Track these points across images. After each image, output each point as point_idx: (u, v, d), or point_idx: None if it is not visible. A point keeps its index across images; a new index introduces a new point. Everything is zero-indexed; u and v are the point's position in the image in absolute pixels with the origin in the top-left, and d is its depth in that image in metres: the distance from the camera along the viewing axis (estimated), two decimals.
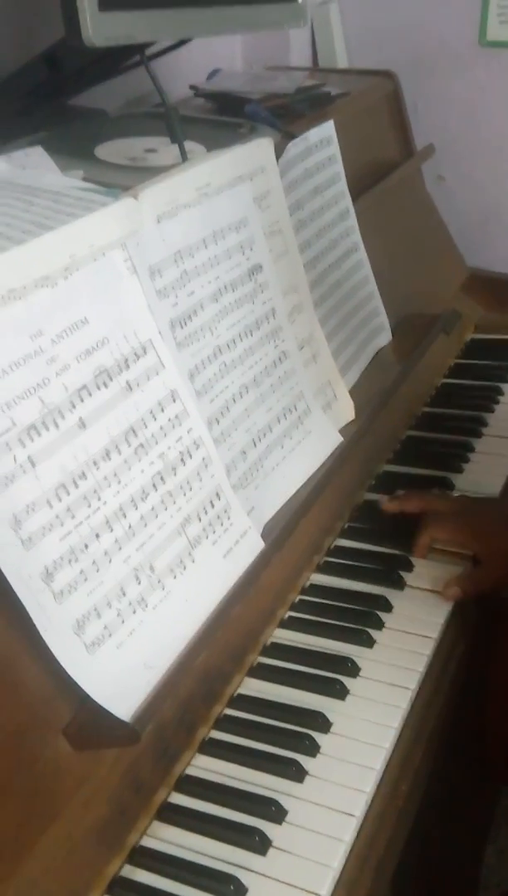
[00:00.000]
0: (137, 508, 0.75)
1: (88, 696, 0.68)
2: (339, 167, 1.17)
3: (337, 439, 1.03)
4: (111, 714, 0.69)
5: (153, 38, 1.09)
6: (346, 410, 1.08)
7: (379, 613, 0.95)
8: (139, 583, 0.74)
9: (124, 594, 0.73)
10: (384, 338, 1.25)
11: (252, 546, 0.86)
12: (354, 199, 1.20)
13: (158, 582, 0.76)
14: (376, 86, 1.48)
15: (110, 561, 0.72)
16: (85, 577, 0.70)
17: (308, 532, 0.99)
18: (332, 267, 1.14)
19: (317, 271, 1.10)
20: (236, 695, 0.87)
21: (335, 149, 1.16)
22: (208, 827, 0.75)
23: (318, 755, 0.80)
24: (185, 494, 0.80)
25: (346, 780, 0.78)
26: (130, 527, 0.74)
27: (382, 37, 1.72)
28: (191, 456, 0.81)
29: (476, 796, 1.28)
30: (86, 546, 0.70)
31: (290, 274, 1.01)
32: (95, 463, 0.72)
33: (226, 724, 0.84)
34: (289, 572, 0.97)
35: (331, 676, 0.87)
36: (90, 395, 0.72)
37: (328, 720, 0.83)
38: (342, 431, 1.04)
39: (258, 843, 0.73)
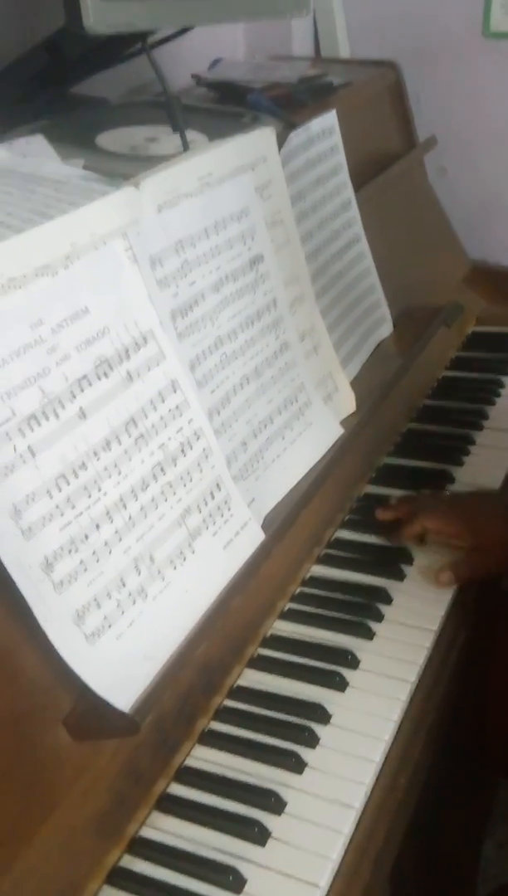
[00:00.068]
0: (137, 499, 0.75)
1: (87, 687, 0.68)
2: (341, 157, 1.16)
3: (338, 431, 1.03)
4: (111, 705, 0.69)
5: (155, 26, 1.09)
6: (347, 402, 1.07)
7: (379, 606, 0.95)
8: (139, 573, 0.74)
9: (124, 585, 0.73)
10: (386, 330, 1.25)
11: (253, 537, 0.86)
12: (356, 190, 1.19)
13: (158, 573, 0.76)
14: (378, 76, 1.47)
15: (110, 551, 0.72)
16: (85, 567, 0.69)
17: (309, 524, 0.99)
18: (333, 258, 1.14)
19: (318, 262, 1.10)
20: (235, 686, 0.87)
21: (337, 139, 1.15)
22: (208, 818, 0.75)
23: (317, 747, 0.80)
24: (185, 485, 0.80)
25: (345, 771, 0.78)
26: (130, 517, 0.74)
27: (385, 27, 1.70)
28: (191, 447, 0.81)
29: (475, 789, 1.28)
30: (86, 536, 0.70)
31: (291, 265, 1.00)
32: (95, 453, 0.71)
33: (226, 715, 0.84)
34: (289, 564, 0.97)
35: (331, 668, 0.87)
36: (90, 384, 0.72)
37: (327, 712, 0.83)
38: (342, 423, 1.04)
39: (257, 834, 0.73)
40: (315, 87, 1.35)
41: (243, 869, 0.71)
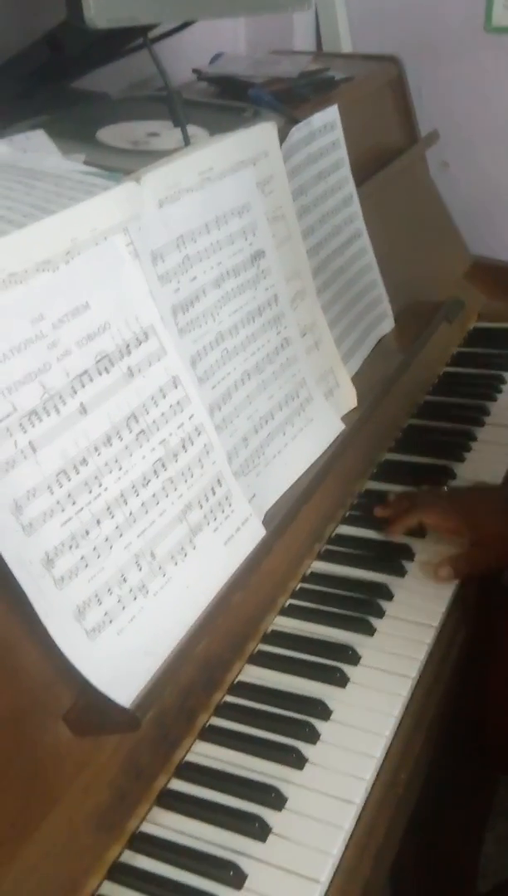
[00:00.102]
0: (138, 495, 0.75)
1: (88, 683, 0.68)
2: (342, 152, 1.16)
3: (339, 427, 1.03)
4: (112, 700, 0.69)
5: (156, 20, 1.08)
6: (348, 398, 1.07)
7: (380, 601, 0.95)
8: (140, 569, 0.74)
9: (125, 580, 0.72)
10: (387, 325, 1.24)
11: (253, 533, 0.86)
12: (357, 185, 1.19)
13: (159, 568, 0.76)
14: (380, 71, 1.47)
15: (111, 547, 0.72)
16: (86, 563, 0.69)
17: (310, 520, 0.99)
18: (335, 253, 1.14)
19: (320, 258, 1.10)
20: (236, 682, 0.87)
21: (338, 134, 1.15)
22: (208, 813, 0.75)
23: (318, 742, 0.80)
24: (186, 481, 0.79)
25: (346, 767, 0.78)
26: (131, 513, 0.74)
27: (386, 21, 1.70)
28: (192, 442, 0.81)
29: (476, 785, 1.28)
30: (87, 532, 0.70)
31: (293, 260, 1.00)
32: (96, 449, 0.71)
33: (226, 711, 0.84)
34: (290, 560, 0.97)
35: (331, 664, 0.87)
36: (91, 380, 0.71)
37: (328, 708, 0.83)
38: (344, 419, 1.04)
39: (258, 830, 0.73)
40: (317, 81, 1.35)
41: (244, 864, 0.71)
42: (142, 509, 0.75)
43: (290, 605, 0.96)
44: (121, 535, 0.73)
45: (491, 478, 1.15)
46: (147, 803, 0.75)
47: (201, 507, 0.81)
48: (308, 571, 1.00)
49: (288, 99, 1.27)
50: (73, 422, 0.70)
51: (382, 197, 1.30)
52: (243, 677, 0.87)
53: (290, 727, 0.81)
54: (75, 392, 0.70)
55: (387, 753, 0.80)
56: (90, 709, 0.69)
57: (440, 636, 0.92)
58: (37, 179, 0.81)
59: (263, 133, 0.96)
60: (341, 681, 0.86)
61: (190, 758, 0.80)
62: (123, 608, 0.72)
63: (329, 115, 1.14)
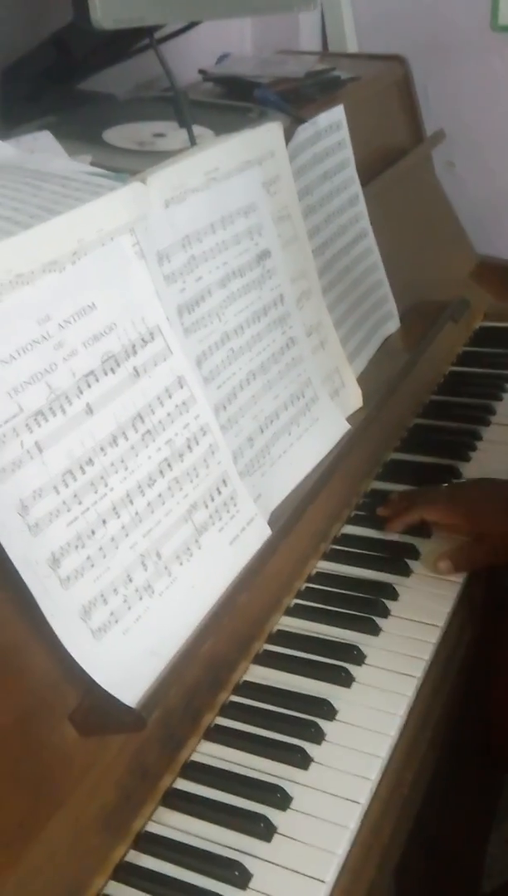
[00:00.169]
0: (143, 495, 0.75)
1: (94, 683, 0.68)
2: (348, 152, 1.16)
3: (345, 426, 1.03)
4: (117, 700, 0.69)
5: (163, 20, 1.09)
6: (354, 398, 1.07)
7: (385, 601, 0.95)
8: (146, 569, 0.74)
9: (131, 580, 0.73)
10: (393, 325, 1.24)
11: (259, 533, 0.86)
12: (363, 185, 1.19)
13: (165, 568, 0.76)
14: (386, 70, 1.47)
15: (117, 547, 0.72)
16: (92, 563, 0.70)
17: (315, 520, 0.99)
18: (341, 253, 1.14)
19: (325, 258, 1.10)
20: (241, 682, 0.87)
21: (344, 134, 1.15)
22: (214, 813, 0.75)
23: (323, 742, 0.80)
24: (192, 481, 0.80)
25: (351, 767, 0.78)
26: (136, 513, 0.74)
27: (392, 21, 1.70)
28: (198, 442, 0.81)
29: (481, 785, 1.28)
30: (92, 532, 0.70)
31: (298, 260, 1.00)
32: (102, 449, 0.71)
33: (231, 710, 0.84)
34: (295, 560, 0.97)
35: (337, 664, 0.87)
36: (97, 380, 0.72)
37: (333, 708, 0.83)
38: (349, 419, 1.04)
39: (263, 830, 0.73)
40: (323, 81, 1.35)
41: (249, 864, 0.71)
42: (148, 509, 0.75)
43: (295, 604, 0.96)
44: (127, 536, 0.73)
45: (497, 477, 1.14)
46: (153, 803, 0.75)
47: (207, 507, 0.81)
48: (314, 571, 1.00)
49: (294, 99, 1.28)
50: (79, 422, 0.70)
51: (388, 197, 1.30)
52: (248, 677, 0.88)
53: (295, 727, 0.81)
54: (81, 392, 0.70)
55: (392, 753, 0.80)
56: (96, 709, 0.69)
57: (445, 636, 0.92)
58: (43, 180, 0.81)
59: (269, 133, 0.96)
60: (346, 681, 0.86)
61: (195, 757, 0.80)
62: (129, 608, 0.72)
63: (335, 115, 1.14)
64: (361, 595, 0.96)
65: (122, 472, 0.73)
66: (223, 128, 1.04)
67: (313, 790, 0.76)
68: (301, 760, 0.78)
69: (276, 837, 0.73)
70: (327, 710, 0.83)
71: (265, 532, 0.87)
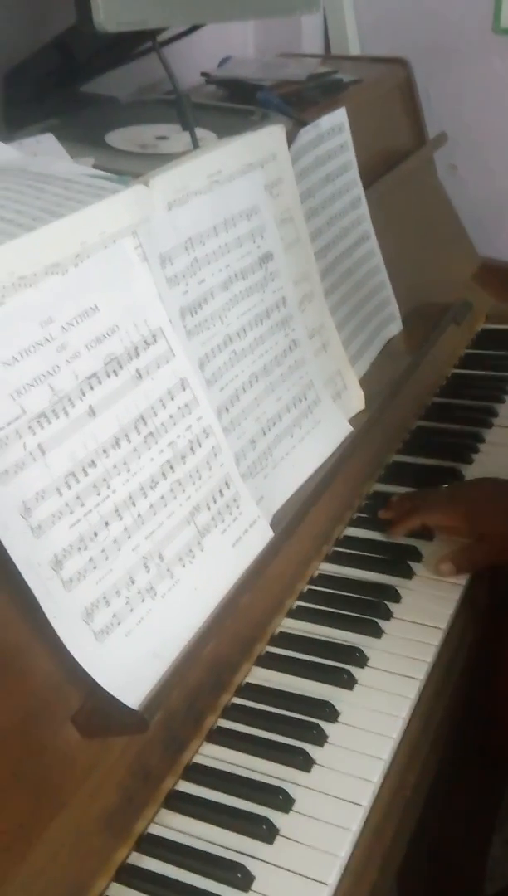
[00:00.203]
0: (146, 497, 0.75)
1: (96, 684, 0.68)
2: (351, 155, 1.16)
3: (347, 429, 1.03)
4: (120, 702, 0.69)
5: (165, 23, 1.09)
6: (356, 400, 1.07)
7: (388, 603, 0.95)
8: (148, 571, 0.74)
9: (133, 582, 0.73)
10: (395, 327, 1.24)
11: (261, 535, 0.86)
12: (365, 188, 1.19)
13: (167, 570, 0.76)
14: (388, 73, 1.47)
15: (119, 549, 0.72)
16: (94, 565, 0.70)
17: (317, 521, 0.99)
18: (343, 255, 1.14)
19: (328, 260, 1.10)
20: (244, 684, 0.87)
21: (346, 136, 1.15)
22: (216, 815, 0.75)
23: (326, 744, 0.80)
24: (194, 483, 0.80)
25: (353, 769, 0.78)
26: (139, 515, 0.74)
27: (395, 23, 1.70)
28: (200, 445, 0.81)
29: (483, 787, 1.28)
30: (95, 534, 0.70)
31: (301, 262, 1.00)
32: (104, 451, 0.71)
33: (234, 712, 0.84)
34: (298, 562, 0.97)
35: (339, 666, 0.87)
36: (100, 382, 0.72)
37: (335, 710, 0.83)
38: (351, 421, 1.04)
39: (266, 832, 0.73)
40: (325, 84, 1.35)
41: (252, 866, 0.71)
42: (150, 511, 0.75)
43: (297, 606, 0.96)
44: (129, 537, 0.73)
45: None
46: (155, 805, 0.75)
47: (209, 509, 0.81)
48: (316, 573, 1.00)
49: (296, 102, 1.28)
50: (81, 424, 0.70)
51: (390, 199, 1.30)
52: (250, 679, 0.88)
53: (298, 729, 0.81)
54: (84, 394, 0.70)
55: (395, 756, 0.80)
56: (98, 711, 0.69)
57: (448, 638, 0.92)
58: (46, 183, 0.81)
59: (271, 136, 0.96)
60: (348, 683, 0.86)
61: (198, 759, 0.80)
62: (132, 610, 0.72)
63: (337, 118, 1.14)
64: (363, 597, 0.96)
65: (124, 475, 0.73)
66: (226, 130, 1.05)
67: (315, 792, 0.76)
68: (304, 762, 0.78)
69: (278, 839, 0.73)
70: (329, 712, 0.83)
71: (268, 534, 0.87)
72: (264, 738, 0.81)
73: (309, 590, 0.98)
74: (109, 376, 0.73)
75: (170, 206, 0.81)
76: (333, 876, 0.70)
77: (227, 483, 0.83)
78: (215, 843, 0.73)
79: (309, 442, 0.97)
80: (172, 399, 0.78)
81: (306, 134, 1.08)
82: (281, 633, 0.93)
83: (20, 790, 0.64)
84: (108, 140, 1.10)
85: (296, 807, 0.75)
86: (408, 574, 0.99)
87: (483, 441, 1.23)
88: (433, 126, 1.54)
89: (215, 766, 0.79)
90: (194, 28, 1.21)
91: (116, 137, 1.11)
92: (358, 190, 1.18)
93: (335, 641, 0.91)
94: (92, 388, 0.71)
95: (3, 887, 0.62)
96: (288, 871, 0.71)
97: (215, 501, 0.82)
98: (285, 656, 0.90)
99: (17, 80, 1.16)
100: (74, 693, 0.69)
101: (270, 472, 0.91)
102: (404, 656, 0.89)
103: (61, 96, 1.20)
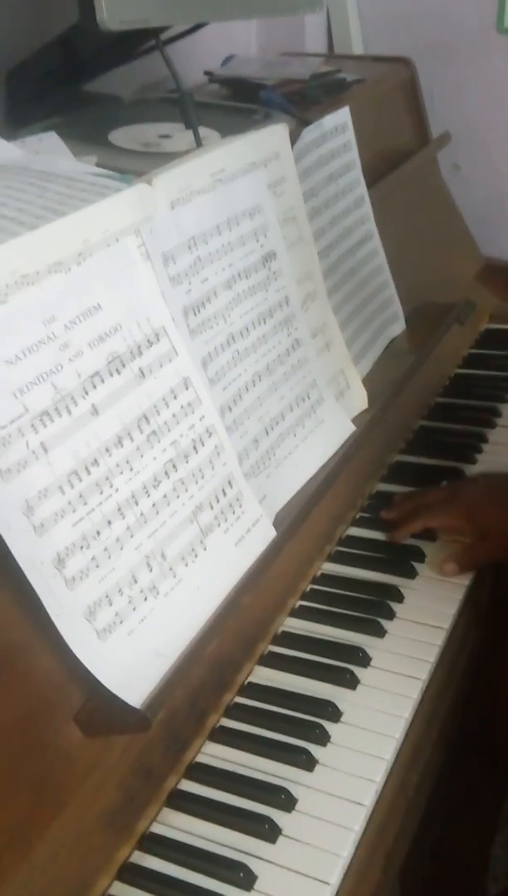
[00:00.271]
0: (149, 496, 0.75)
1: (98, 683, 0.68)
2: (354, 154, 1.16)
3: (350, 428, 1.02)
4: (122, 701, 0.69)
5: (168, 22, 1.09)
6: (359, 399, 1.07)
7: (391, 603, 0.95)
8: (151, 570, 0.74)
9: (136, 581, 0.73)
10: (398, 327, 1.24)
11: (264, 534, 0.86)
12: (369, 187, 1.19)
13: (170, 569, 0.76)
14: (392, 72, 1.47)
15: (122, 548, 0.72)
16: (97, 563, 0.70)
17: (320, 521, 0.99)
18: (346, 255, 1.14)
19: (331, 259, 1.10)
20: (246, 683, 0.87)
21: (350, 136, 1.15)
22: (218, 814, 0.75)
23: (328, 744, 0.80)
24: (197, 482, 0.80)
25: (356, 769, 0.78)
26: (141, 514, 0.74)
27: (398, 23, 1.70)
28: (203, 444, 0.81)
29: (485, 787, 1.28)
30: (98, 533, 0.70)
31: (304, 262, 1.00)
32: (107, 450, 0.71)
33: (236, 712, 0.84)
34: (300, 561, 0.97)
35: (342, 666, 0.87)
36: (103, 381, 0.72)
37: (338, 710, 0.83)
38: (354, 420, 1.04)
39: (268, 831, 0.73)
40: (328, 83, 1.35)
41: (254, 866, 0.71)
42: (153, 510, 0.75)
43: (300, 606, 0.96)
44: (132, 536, 0.73)
45: None
46: (157, 804, 0.75)
47: (212, 508, 0.81)
48: (319, 573, 1.00)
49: (300, 101, 1.28)
50: (84, 423, 0.70)
51: (393, 199, 1.30)
52: (253, 678, 0.88)
53: (300, 728, 0.81)
54: (87, 393, 0.70)
55: (397, 755, 0.80)
56: (100, 709, 0.69)
57: (450, 638, 0.92)
58: (49, 181, 0.81)
59: (274, 135, 0.96)
60: (351, 682, 0.86)
61: (200, 759, 0.80)
62: (134, 609, 0.72)
63: (341, 117, 1.14)
64: (366, 597, 0.96)
65: (127, 473, 0.73)
66: (229, 129, 1.04)
67: (317, 792, 0.76)
68: (306, 762, 0.78)
69: (281, 839, 0.73)
70: (332, 711, 0.83)
71: (270, 533, 0.87)
72: (266, 738, 0.81)
73: (312, 589, 0.98)
74: (111, 375, 0.72)
75: (173, 205, 0.81)
76: (335, 875, 0.70)
77: (229, 482, 0.83)
78: (217, 843, 0.73)
79: (312, 441, 0.97)
80: (175, 398, 0.78)
81: (310, 133, 1.08)
82: (284, 632, 0.93)
83: (21, 788, 0.64)
84: (111, 138, 1.10)
85: (299, 806, 0.75)
86: (411, 574, 0.99)
87: (486, 441, 1.23)
88: (437, 125, 1.53)
89: (218, 765, 0.79)
90: (197, 27, 1.21)
91: (119, 136, 1.11)
92: (361, 189, 1.18)
93: (338, 641, 0.91)
94: (95, 386, 0.71)
95: (5, 886, 0.62)
96: (291, 870, 0.71)
97: (217, 500, 0.82)
98: (287, 655, 0.90)
99: (19, 78, 1.16)
100: (76, 691, 0.69)
101: (272, 471, 0.91)
102: (407, 656, 0.89)
103: (64, 94, 1.20)
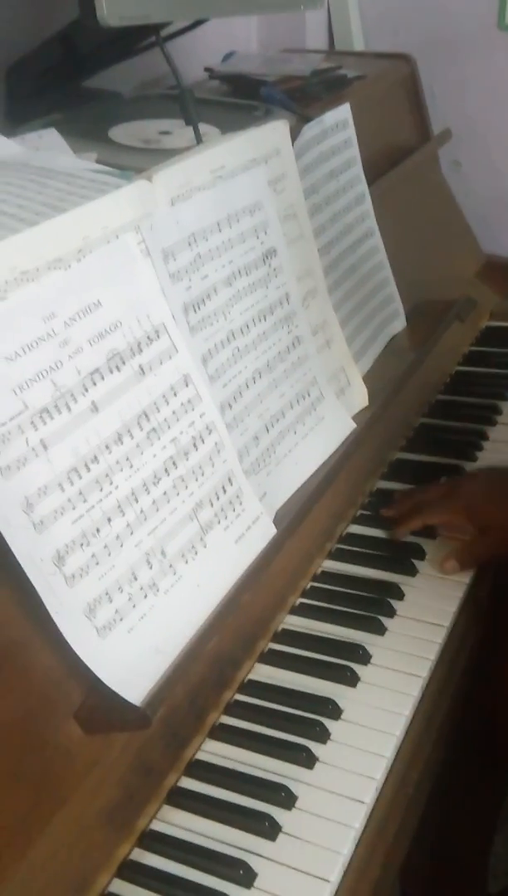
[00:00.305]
0: (149, 493, 0.75)
1: (98, 680, 0.68)
2: (355, 151, 1.16)
3: (350, 425, 1.02)
4: (122, 698, 0.69)
5: (169, 18, 1.08)
6: (359, 397, 1.07)
7: (391, 601, 0.95)
8: (151, 567, 0.74)
9: (136, 578, 0.73)
10: (399, 324, 1.24)
11: (264, 532, 0.86)
12: (369, 184, 1.18)
13: (170, 567, 0.76)
14: (393, 69, 1.46)
15: (122, 545, 0.72)
16: (96, 560, 0.69)
17: (320, 518, 0.98)
18: (347, 252, 1.13)
19: (331, 256, 1.09)
20: (246, 680, 0.87)
21: (350, 132, 1.15)
22: (218, 812, 0.75)
23: (328, 742, 0.80)
24: (197, 479, 0.79)
25: (356, 766, 0.78)
26: (141, 511, 0.74)
27: (399, 19, 1.70)
28: (203, 441, 0.80)
29: (486, 785, 1.28)
30: (98, 530, 0.70)
31: (304, 258, 1.00)
32: (107, 447, 0.71)
33: (236, 709, 0.84)
34: (301, 559, 0.97)
35: (342, 663, 0.87)
36: (103, 378, 0.71)
37: (338, 707, 0.83)
38: (355, 418, 1.04)
39: (268, 829, 0.73)
40: (329, 80, 1.35)
41: (254, 863, 0.71)
42: (152, 507, 0.75)
43: (300, 603, 0.96)
44: (131, 533, 0.73)
45: None
46: (157, 801, 0.75)
47: (212, 505, 0.81)
48: (319, 570, 1.00)
49: (300, 97, 1.27)
50: (84, 420, 0.70)
51: (394, 195, 1.29)
52: (253, 676, 0.87)
53: (300, 726, 0.81)
54: (87, 390, 0.70)
55: (398, 753, 0.80)
56: (100, 707, 0.69)
57: (451, 636, 0.92)
58: (49, 178, 0.81)
59: (275, 131, 0.95)
60: (351, 680, 0.86)
61: (200, 756, 0.80)
62: (134, 606, 0.72)
63: (341, 114, 1.14)
64: (366, 594, 0.96)
65: (127, 470, 0.73)
66: (229, 126, 1.04)
67: (318, 789, 0.76)
68: (306, 760, 0.78)
69: (281, 837, 0.73)
70: (332, 709, 0.83)
71: (271, 531, 0.87)
72: (266, 735, 0.81)
73: (312, 587, 0.98)
74: (111, 372, 0.72)
75: (173, 202, 0.81)
76: (335, 873, 0.70)
77: (230, 479, 0.83)
78: (217, 840, 0.73)
79: (312, 438, 0.97)
80: (175, 395, 0.78)
81: (310, 130, 1.08)
82: (284, 629, 0.93)
83: (21, 786, 0.64)
84: (111, 135, 1.10)
85: (299, 804, 0.75)
86: (412, 571, 0.99)
87: (486, 439, 1.22)
88: (438, 122, 1.53)
89: (218, 763, 0.79)
90: (197, 23, 1.21)
91: (119, 132, 1.11)
92: (362, 186, 1.17)
93: (338, 638, 0.91)
94: (94, 383, 0.71)
95: (5, 883, 0.62)
96: (291, 867, 0.71)
97: (217, 498, 0.81)
98: (287, 653, 0.90)
99: (19, 74, 1.16)
100: (76, 689, 0.69)
101: (273, 468, 0.91)
102: (407, 654, 0.89)
103: (64, 91, 1.19)
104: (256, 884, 0.70)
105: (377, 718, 0.82)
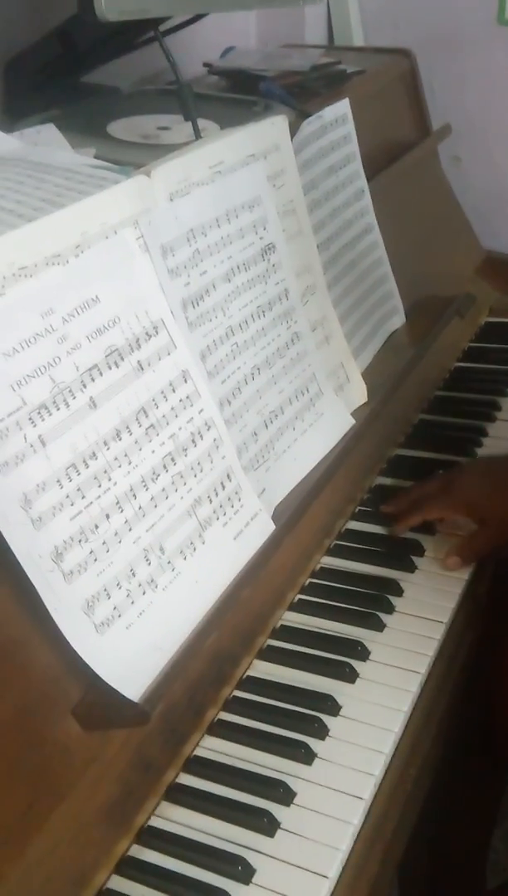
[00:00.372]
0: (147, 489, 0.74)
1: (97, 677, 0.68)
2: (354, 146, 1.15)
3: (349, 422, 1.02)
4: (120, 694, 0.69)
5: (168, 13, 1.08)
6: (358, 393, 1.07)
7: (390, 597, 0.95)
8: (149, 564, 0.74)
9: (134, 575, 0.72)
10: (398, 320, 1.24)
11: (263, 528, 0.86)
12: (369, 179, 1.18)
13: (168, 563, 0.76)
14: (392, 64, 1.46)
15: (120, 541, 0.72)
16: (95, 557, 0.69)
17: (319, 515, 0.98)
18: (346, 248, 1.13)
19: (331, 252, 1.09)
20: (245, 677, 0.87)
21: (350, 128, 1.15)
22: (217, 808, 0.75)
23: (327, 738, 0.80)
24: (195, 476, 0.79)
25: (355, 763, 0.78)
26: (140, 507, 0.74)
27: (398, 15, 1.70)
28: (202, 437, 0.80)
29: (484, 781, 1.28)
30: (96, 526, 0.70)
31: (303, 254, 1.00)
32: (105, 443, 0.71)
33: (235, 705, 0.84)
34: (300, 555, 0.97)
35: (341, 660, 0.87)
36: (101, 374, 0.71)
37: (337, 703, 0.83)
38: (354, 414, 1.04)
39: (267, 825, 0.73)
40: (328, 75, 1.34)
41: (252, 859, 0.71)
42: (151, 504, 0.75)
43: (299, 600, 0.96)
44: (130, 530, 0.73)
45: None
46: (155, 798, 0.75)
47: (211, 501, 0.81)
48: (318, 566, 1.00)
49: (299, 92, 1.27)
50: (82, 416, 0.69)
51: (394, 191, 1.29)
52: (251, 672, 0.87)
53: (299, 722, 0.81)
54: (85, 386, 0.70)
55: (396, 749, 0.80)
56: (99, 703, 0.69)
57: (450, 632, 0.92)
58: (47, 173, 0.81)
59: (274, 127, 0.95)
60: (350, 676, 0.86)
61: (198, 752, 0.80)
62: (132, 602, 0.72)
63: (341, 109, 1.13)
64: (365, 591, 0.96)
65: (125, 467, 0.73)
66: (228, 121, 1.04)
67: (316, 785, 0.76)
68: (305, 756, 0.78)
69: (279, 832, 0.73)
70: (330, 705, 0.83)
71: (269, 527, 0.87)
72: (265, 731, 0.81)
73: (311, 583, 0.98)
74: (109, 368, 0.72)
75: (172, 197, 0.80)
76: (334, 869, 0.70)
77: (228, 476, 0.83)
78: (215, 836, 0.73)
79: (311, 435, 0.97)
80: (174, 391, 0.78)
81: (309, 125, 1.07)
82: (283, 626, 0.93)
83: (20, 782, 0.64)
84: (109, 130, 1.10)
85: (297, 800, 0.75)
86: (410, 568, 0.99)
87: (485, 435, 1.22)
88: (437, 117, 1.53)
89: (216, 759, 0.79)
90: (196, 18, 1.21)
91: (118, 128, 1.10)
92: (361, 181, 1.17)
93: (337, 635, 0.91)
94: (93, 379, 0.71)
95: (3, 880, 0.62)
96: (289, 864, 0.71)
97: (216, 494, 0.81)
98: (286, 649, 0.90)
99: (18, 69, 1.16)
100: (75, 685, 0.69)
101: (272, 464, 0.91)
102: (406, 650, 0.89)
103: (63, 86, 1.19)
104: (254, 880, 0.70)
105: (376, 715, 0.82)
